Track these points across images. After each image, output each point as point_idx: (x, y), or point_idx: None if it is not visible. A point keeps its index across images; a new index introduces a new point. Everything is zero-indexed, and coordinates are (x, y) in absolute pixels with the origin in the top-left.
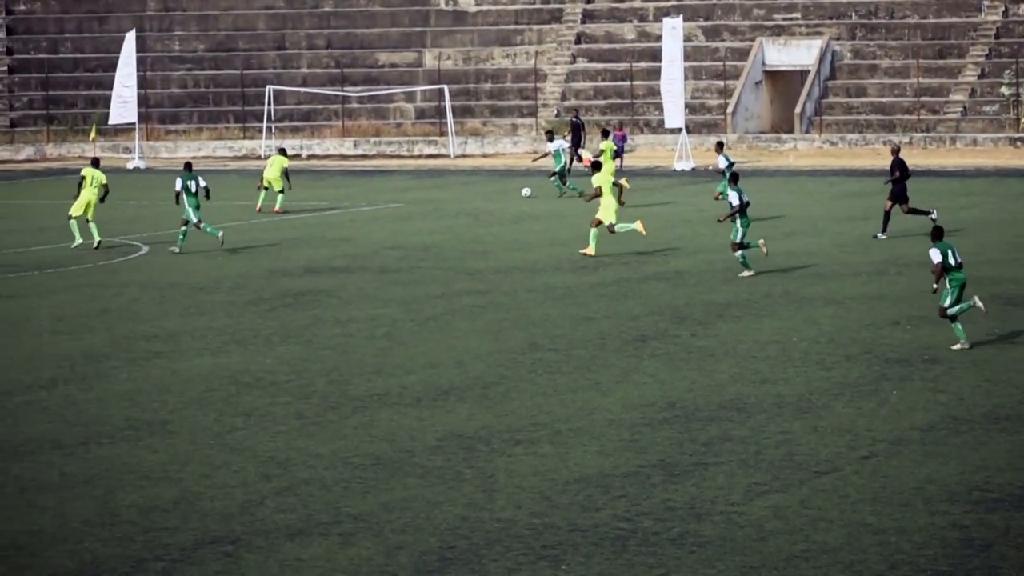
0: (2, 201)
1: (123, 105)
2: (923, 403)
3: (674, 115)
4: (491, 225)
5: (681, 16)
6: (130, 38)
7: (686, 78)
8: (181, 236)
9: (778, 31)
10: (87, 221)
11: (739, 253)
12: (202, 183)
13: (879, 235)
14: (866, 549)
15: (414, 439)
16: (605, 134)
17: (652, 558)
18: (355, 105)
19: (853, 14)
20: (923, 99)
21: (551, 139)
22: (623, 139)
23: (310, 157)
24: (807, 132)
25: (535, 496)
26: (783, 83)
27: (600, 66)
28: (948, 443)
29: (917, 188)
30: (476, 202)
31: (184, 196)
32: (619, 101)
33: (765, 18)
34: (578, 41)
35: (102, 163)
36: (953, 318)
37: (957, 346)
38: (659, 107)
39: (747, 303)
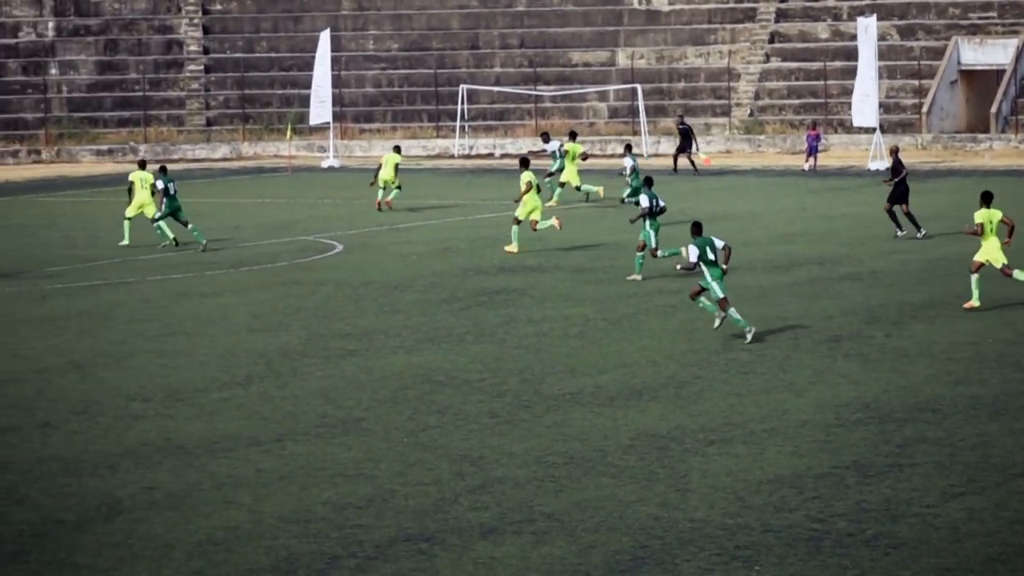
0: (199, 199)
1: (320, 105)
2: None
3: (864, 114)
4: (684, 224)
5: (875, 15)
6: (325, 37)
7: (880, 77)
8: (160, 231)
9: (973, 30)
10: (152, 221)
11: (640, 254)
12: (170, 186)
13: (898, 233)
14: None
15: (607, 438)
16: (572, 135)
17: (846, 559)
18: (548, 104)
19: None
20: None
21: (547, 140)
22: (816, 138)
23: (503, 156)
24: (1003, 132)
25: (728, 496)
26: (979, 82)
27: (793, 65)
28: None
29: None
30: (669, 201)
31: (165, 200)
32: (812, 100)
33: (960, 17)
34: (771, 40)
35: (298, 161)
36: (699, 292)
37: (747, 336)
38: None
39: (942, 304)
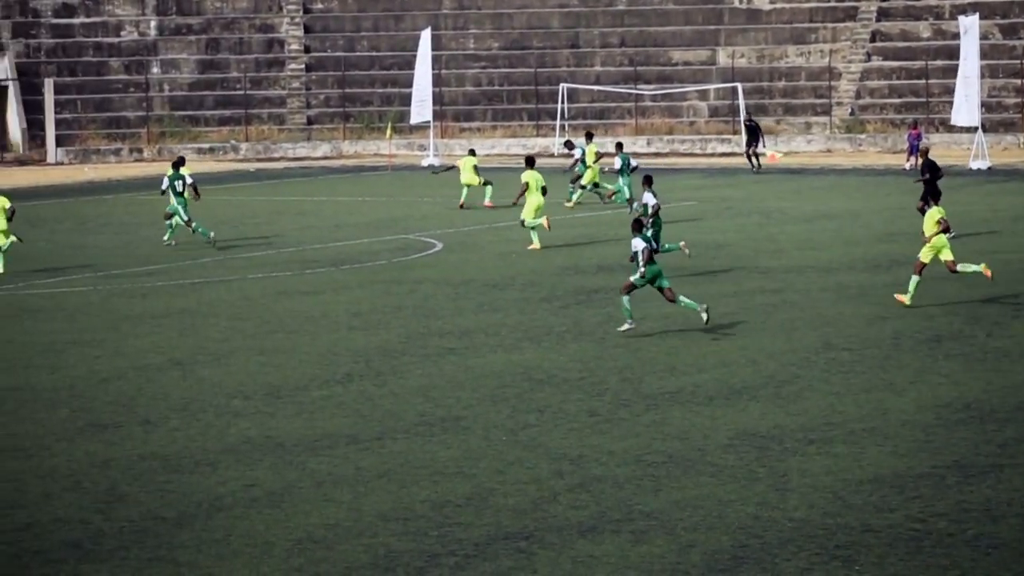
0: (300, 198)
1: (420, 104)
2: None
3: (964, 113)
4: (784, 224)
5: (977, 14)
6: (425, 36)
7: (982, 76)
8: (169, 230)
9: None
10: (187, 224)
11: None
12: (189, 180)
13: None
14: None
15: (706, 437)
16: (589, 137)
17: (946, 559)
18: (648, 103)
19: None
20: None
21: (571, 147)
22: (917, 138)
23: (603, 155)
24: None
25: (828, 496)
26: None
27: (895, 64)
28: None
29: None
30: (769, 201)
31: (171, 195)
32: (914, 100)
33: None
34: (873, 39)
35: (398, 160)
36: (632, 288)
37: (624, 327)
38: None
39: None
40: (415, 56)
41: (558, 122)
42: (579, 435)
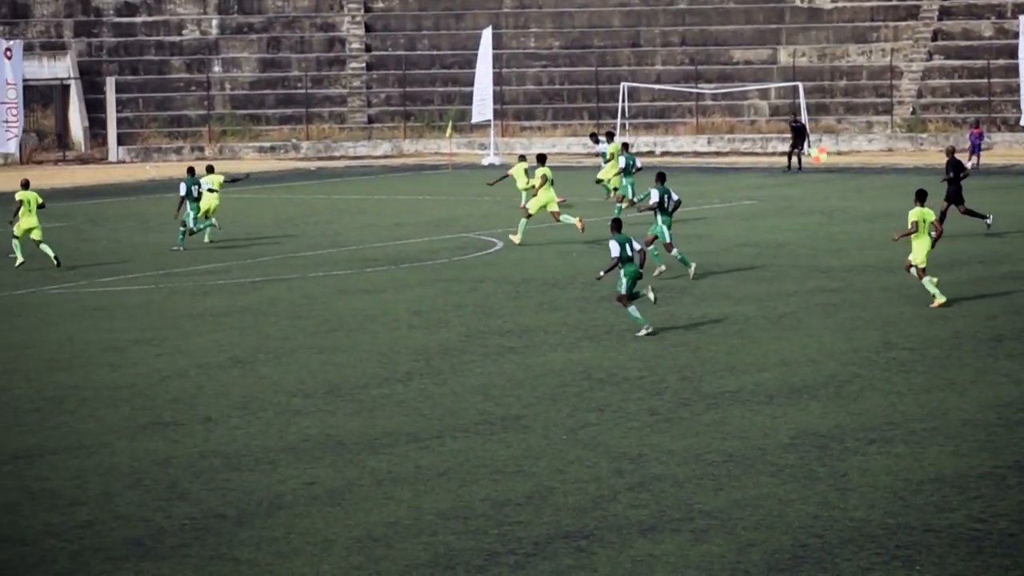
0: (360, 196)
1: (481, 103)
2: None
3: None
4: (845, 223)
5: None
6: (487, 35)
7: None
8: (180, 236)
9: None
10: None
11: (674, 252)
12: (205, 186)
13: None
14: None
15: (767, 436)
16: (610, 136)
17: (1007, 559)
18: (709, 102)
19: None
20: None
21: (596, 141)
22: (979, 137)
23: (663, 154)
24: None
25: (889, 496)
26: None
27: (957, 63)
28: None
29: None
30: (830, 200)
31: (187, 202)
32: (976, 99)
33: None
34: (934, 38)
35: (459, 159)
36: (633, 298)
37: (642, 332)
38: (1017, 105)
39: None
40: (475, 55)
41: (618, 121)
42: (639, 434)
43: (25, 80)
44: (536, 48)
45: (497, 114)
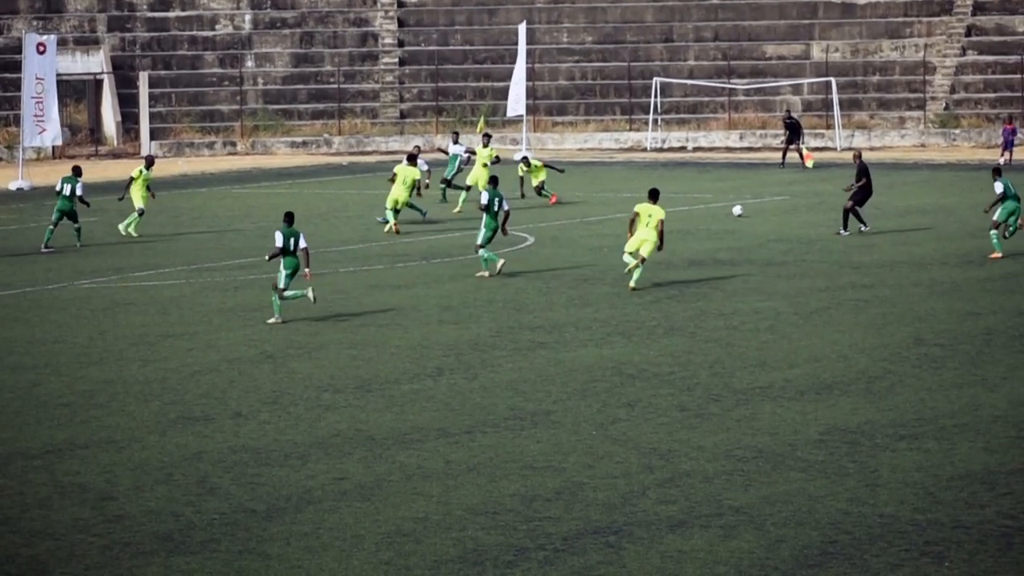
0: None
1: (517, 97)
2: None
3: None
4: (876, 219)
5: None
6: (522, 30)
7: None
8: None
9: None
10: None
11: (481, 252)
12: (79, 191)
13: (865, 228)
14: None
15: (797, 432)
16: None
17: None
18: (741, 98)
19: None
20: None
21: (456, 141)
22: (1012, 132)
23: (695, 149)
24: None
25: (919, 492)
26: None
27: (990, 59)
28: None
29: None
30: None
31: (59, 199)
32: (1009, 94)
33: None
34: (968, 33)
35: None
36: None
37: (482, 273)
38: None
39: None
40: (508, 50)
41: (651, 116)
42: (669, 430)
43: (58, 75)
44: (569, 43)
45: (529, 109)
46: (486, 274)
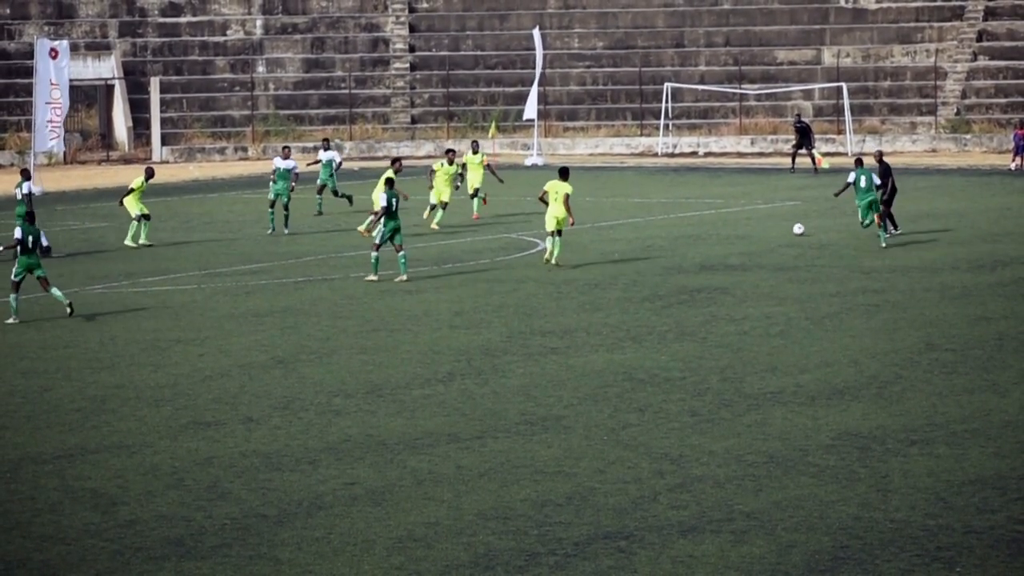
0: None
1: (530, 102)
2: None
3: None
4: None
5: None
6: (537, 35)
7: None
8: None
9: None
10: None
11: (374, 255)
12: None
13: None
14: None
15: (808, 438)
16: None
17: None
18: (752, 103)
19: None
20: None
21: (327, 148)
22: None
23: (707, 155)
24: None
25: (930, 497)
26: None
27: (1002, 64)
28: None
29: None
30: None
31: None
32: (1020, 100)
33: None
34: (979, 39)
35: (502, 159)
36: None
37: (11, 320)
38: None
39: None
40: (519, 56)
41: (662, 121)
42: (680, 435)
43: (70, 80)
44: (580, 48)
45: (540, 114)
46: (375, 278)
